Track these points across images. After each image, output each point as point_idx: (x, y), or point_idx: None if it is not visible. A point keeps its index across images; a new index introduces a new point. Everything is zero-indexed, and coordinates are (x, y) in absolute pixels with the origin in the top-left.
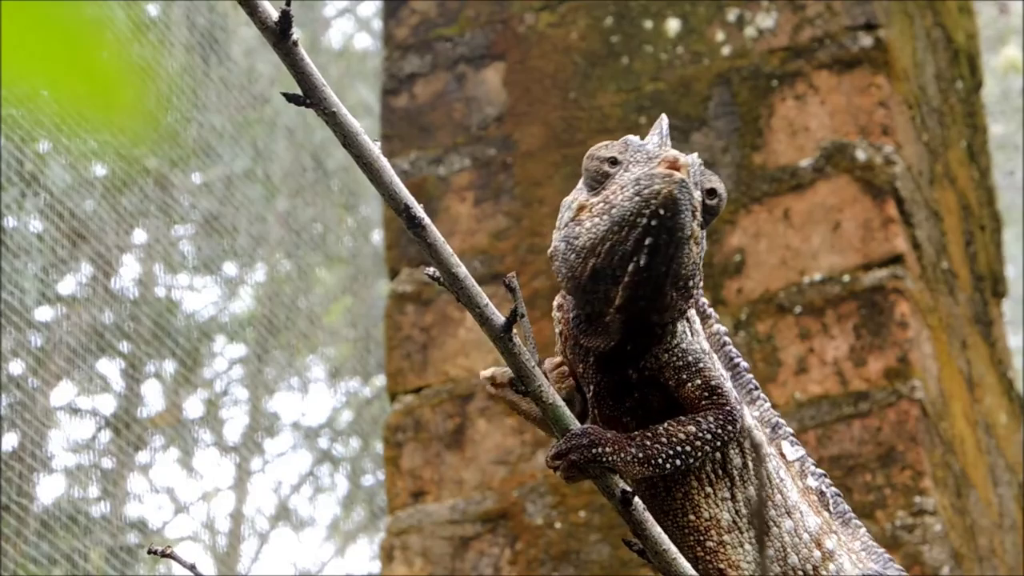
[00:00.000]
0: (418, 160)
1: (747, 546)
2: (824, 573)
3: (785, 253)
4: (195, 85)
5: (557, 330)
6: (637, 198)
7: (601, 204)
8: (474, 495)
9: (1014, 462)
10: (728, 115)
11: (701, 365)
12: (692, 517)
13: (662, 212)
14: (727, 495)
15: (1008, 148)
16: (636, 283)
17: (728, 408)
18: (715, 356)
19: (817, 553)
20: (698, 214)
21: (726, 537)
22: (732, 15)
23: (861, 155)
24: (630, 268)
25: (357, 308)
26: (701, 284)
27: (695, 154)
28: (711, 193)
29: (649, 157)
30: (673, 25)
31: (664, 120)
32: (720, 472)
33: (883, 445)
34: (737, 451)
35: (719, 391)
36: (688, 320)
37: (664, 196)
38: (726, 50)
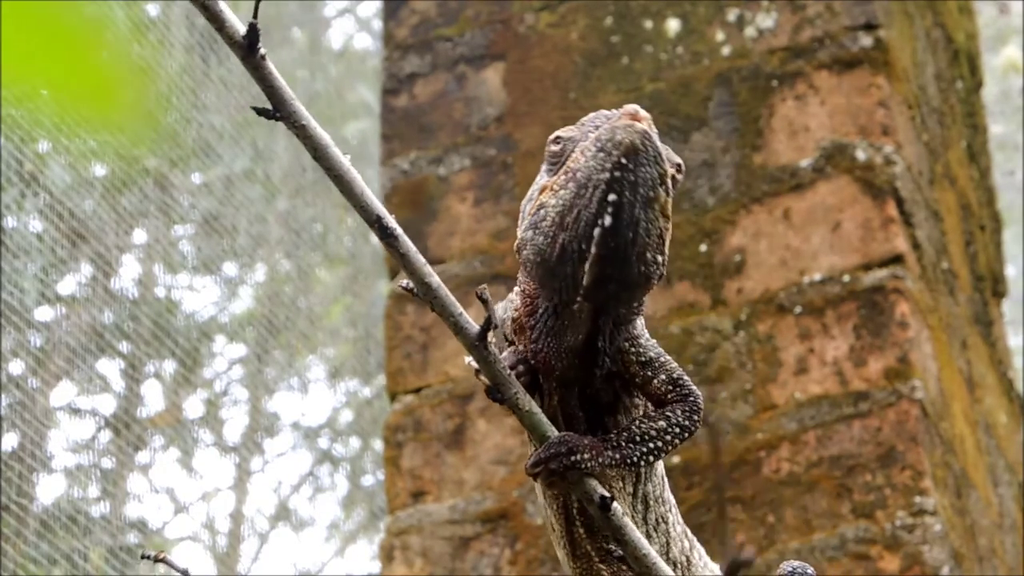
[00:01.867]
0: (418, 160)
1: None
2: (694, 560)
3: (785, 253)
4: (195, 85)
5: (509, 317)
6: (600, 153)
7: (564, 175)
8: (474, 495)
9: (1014, 462)
10: (728, 115)
11: (663, 359)
12: None
13: (624, 161)
14: (631, 490)
15: (1008, 148)
16: (602, 257)
17: (692, 399)
18: None
19: (687, 543)
20: (667, 180)
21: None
22: (732, 15)
23: (861, 155)
24: (595, 234)
25: (357, 308)
26: (663, 269)
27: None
28: (679, 168)
29: (608, 117)
30: (673, 25)
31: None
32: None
33: (883, 445)
34: None
35: (681, 382)
36: (641, 315)
37: (626, 145)
38: (726, 50)
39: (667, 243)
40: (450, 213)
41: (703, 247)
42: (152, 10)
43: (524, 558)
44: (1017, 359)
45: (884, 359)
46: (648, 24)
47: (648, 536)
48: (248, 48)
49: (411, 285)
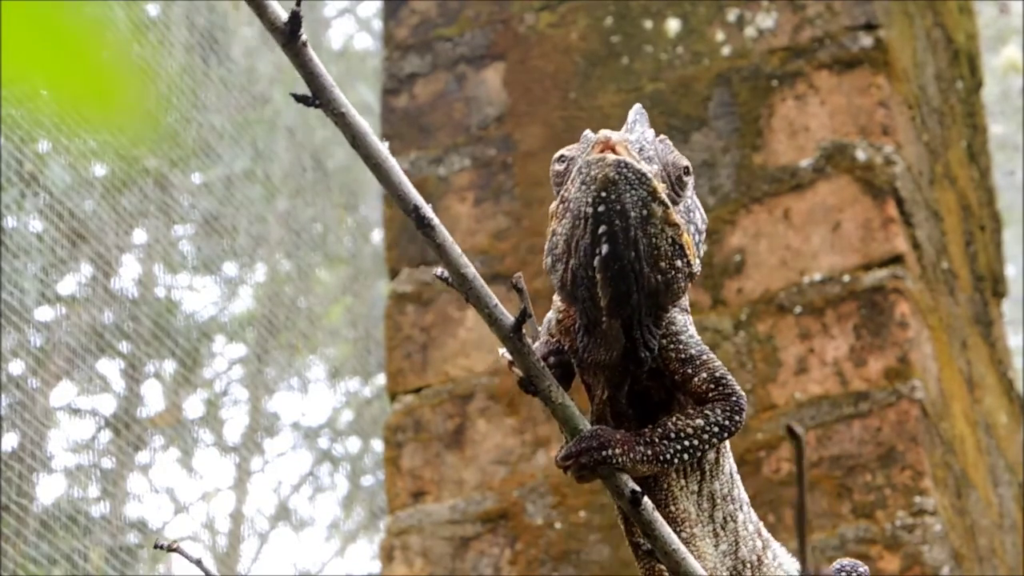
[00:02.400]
0: (418, 160)
1: (710, 539)
2: (766, 560)
3: (785, 253)
4: (195, 85)
5: (554, 318)
6: (583, 187)
7: (562, 204)
8: (474, 495)
9: (1014, 462)
10: (728, 115)
11: (705, 357)
12: (672, 508)
13: (604, 195)
14: (695, 488)
15: (1008, 148)
16: (610, 277)
17: (735, 399)
18: None
19: (759, 543)
20: (660, 193)
21: (696, 530)
22: (732, 15)
23: (861, 155)
24: (596, 263)
25: (357, 308)
26: (695, 267)
27: (650, 132)
28: (686, 171)
29: (588, 144)
30: (673, 25)
31: (636, 107)
32: (695, 465)
33: (883, 445)
34: None
35: (724, 381)
36: (687, 311)
37: (600, 181)
38: (726, 50)
39: (687, 244)
40: (450, 213)
41: (703, 247)
42: (152, 10)
43: (524, 558)
44: (1017, 359)
45: (884, 359)
46: (648, 24)
47: (715, 534)
48: (290, 35)
49: (446, 275)
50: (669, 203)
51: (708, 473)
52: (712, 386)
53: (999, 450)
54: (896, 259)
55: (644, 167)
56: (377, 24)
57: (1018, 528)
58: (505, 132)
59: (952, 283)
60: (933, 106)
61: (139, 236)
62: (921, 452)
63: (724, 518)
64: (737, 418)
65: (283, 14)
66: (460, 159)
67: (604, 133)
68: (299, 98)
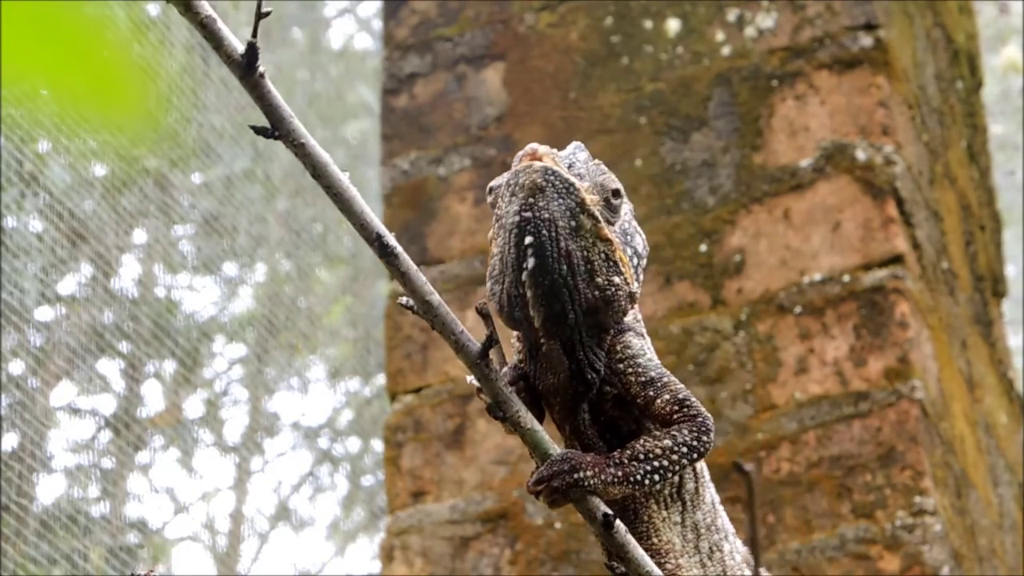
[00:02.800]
0: (418, 160)
1: (697, 570)
2: None
3: (785, 253)
4: (195, 85)
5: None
6: (512, 198)
7: (497, 223)
8: (474, 495)
9: (1014, 462)
10: (728, 115)
11: (666, 379)
12: (655, 540)
13: (532, 201)
14: (678, 519)
15: (1008, 148)
16: (541, 295)
17: (701, 419)
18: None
19: (748, 572)
20: (590, 205)
21: (681, 560)
22: (732, 15)
23: (861, 155)
24: (524, 278)
25: (357, 308)
26: (634, 287)
27: (584, 153)
28: (616, 194)
29: (519, 158)
30: (673, 25)
31: (574, 142)
32: (675, 495)
33: (883, 445)
34: (691, 475)
35: (688, 403)
36: (644, 336)
37: (527, 188)
38: (726, 50)
39: (624, 263)
40: (450, 213)
41: (703, 247)
42: (152, 10)
43: (524, 558)
44: (1017, 359)
45: (884, 359)
46: (648, 24)
47: (703, 564)
48: (247, 67)
49: (411, 303)
50: (600, 217)
51: (689, 503)
52: (676, 407)
53: (999, 450)
54: (896, 259)
55: (572, 178)
56: (377, 24)
57: (1018, 528)
58: (505, 132)
59: (952, 283)
60: (933, 106)
61: (139, 236)
62: (921, 452)
63: (710, 548)
64: (705, 439)
65: (239, 47)
66: (460, 159)
67: (531, 145)
68: (258, 130)
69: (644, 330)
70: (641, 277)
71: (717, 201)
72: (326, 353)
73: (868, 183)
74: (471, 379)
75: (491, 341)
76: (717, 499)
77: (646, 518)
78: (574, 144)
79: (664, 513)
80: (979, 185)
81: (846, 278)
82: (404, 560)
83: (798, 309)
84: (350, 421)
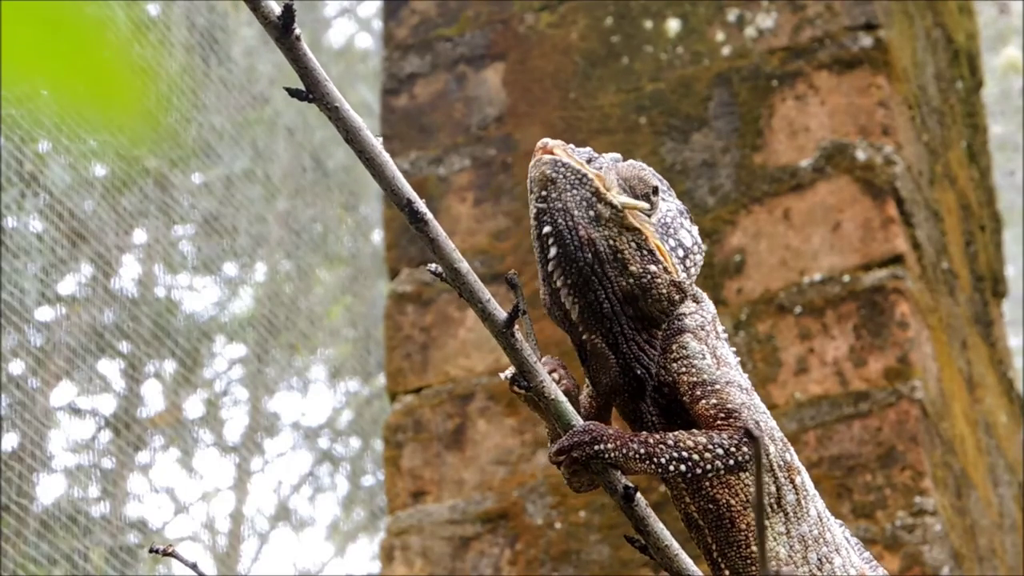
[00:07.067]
0: (418, 160)
1: None
2: None
3: (785, 253)
4: (195, 85)
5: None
6: (530, 196)
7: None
8: (474, 495)
9: (1014, 462)
10: (728, 115)
11: (718, 387)
12: (756, 548)
13: (544, 193)
14: (782, 530)
15: (1008, 148)
16: (570, 285)
17: (744, 432)
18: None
19: None
20: (606, 194)
21: (784, 569)
22: (732, 15)
23: (861, 155)
24: (551, 269)
25: (357, 308)
26: (677, 276)
27: (613, 154)
28: (655, 191)
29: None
30: (673, 25)
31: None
32: (775, 506)
33: (883, 445)
34: (790, 487)
35: (736, 414)
36: (704, 341)
37: (539, 180)
38: (726, 50)
39: (660, 251)
40: (450, 213)
41: (693, 270)
42: (152, 10)
43: (524, 558)
44: (1017, 359)
45: (884, 359)
46: (648, 24)
47: (812, 575)
48: (283, 29)
49: (439, 270)
50: (619, 205)
51: (792, 515)
52: (721, 415)
53: (999, 450)
54: (896, 259)
55: (584, 168)
56: (377, 24)
57: (1018, 528)
58: (505, 132)
59: (952, 283)
60: (933, 106)
61: (139, 236)
62: (921, 452)
63: (819, 560)
64: (745, 450)
65: (277, 8)
66: (460, 159)
67: (543, 140)
68: (293, 92)
69: (714, 337)
70: (693, 271)
71: (717, 201)
72: (326, 353)
73: (868, 183)
74: (505, 375)
75: (517, 311)
76: (828, 514)
77: (744, 526)
78: (611, 155)
79: (767, 523)
80: (979, 185)
81: (846, 278)
82: (404, 560)
83: (798, 309)
84: (350, 421)
